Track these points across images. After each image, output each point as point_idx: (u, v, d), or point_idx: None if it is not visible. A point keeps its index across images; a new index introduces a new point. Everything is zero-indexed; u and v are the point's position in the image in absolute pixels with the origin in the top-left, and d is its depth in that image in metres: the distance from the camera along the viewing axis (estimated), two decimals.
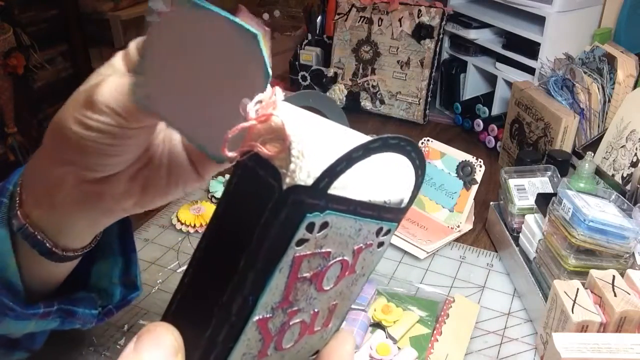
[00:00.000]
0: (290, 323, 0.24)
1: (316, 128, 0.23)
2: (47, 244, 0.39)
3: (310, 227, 0.21)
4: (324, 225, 0.22)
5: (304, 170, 0.21)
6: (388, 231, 0.25)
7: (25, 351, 0.50)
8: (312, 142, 0.22)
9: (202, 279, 0.23)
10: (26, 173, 0.40)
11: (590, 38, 1.01)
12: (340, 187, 0.22)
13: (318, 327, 0.26)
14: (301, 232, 0.21)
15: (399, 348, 0.61)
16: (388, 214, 0.24)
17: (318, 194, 0.21)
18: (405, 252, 0.78)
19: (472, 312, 0.66)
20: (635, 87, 0.85)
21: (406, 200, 0.25)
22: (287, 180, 0.21)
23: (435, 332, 0.63)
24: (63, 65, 2.18)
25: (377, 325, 0.64)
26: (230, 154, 0.22)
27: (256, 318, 0.22)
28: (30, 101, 2.05)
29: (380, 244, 0.25)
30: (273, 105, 0.22)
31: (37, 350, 0.51)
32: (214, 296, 0.22)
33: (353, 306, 0.64)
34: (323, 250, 0.22)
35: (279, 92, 0.23)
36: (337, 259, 0.23)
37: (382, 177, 0.24)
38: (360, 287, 0.26)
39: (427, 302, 0.67)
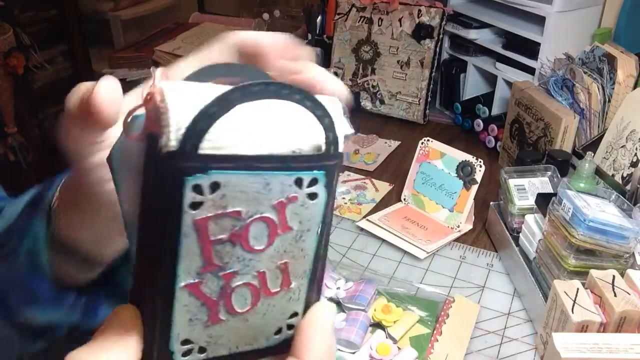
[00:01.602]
0: (232, 286, 0.24)
1: (202, 96, 0.22)
2: (80, 254, 0.40)
3: (198, 189, 0.22)
4: (215, 185, 0.22)
5: (176, 136, 0.21)
6: (314, 180, 0.24)
7: (47, 340, 0.50)
8: (190, 108, 0.22)
9: (137, 262, 0.24)
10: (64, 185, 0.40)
11: (590, 38, 1.01)
12: (227, 146, 0.22)
13: (276, 289, 0.25)
14: (190, 196, 0.22)
15: (399, 348, 0.61)
16: (302, 163, 0.23)
17: (189, 156, 0.21)
18: (405, 252, 0.78)
19: (472, 312, 0.66)
20: (635, 87, 0.85)
21: (324, 146, 0.24)
22: (163, 149, 0.21)
23: (435, 332, 0.63)
24: (63, 65, 2.18)
25: (377, 325, 0.64)
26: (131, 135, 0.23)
27: (182, 284, 0.23)
28: (30, 101, 2.05)
29: (312, 196, 0.24)
30: (155, 87, 0.22)
31: (58, 338, 0.51)
32: (142, 274, 0.24)
33: (353, 306, 0.65)
34: (229, 210, 0.23)
35: (157, 73, 0.24)
36: (255, 216, 0.23)
37: (288, 127, 0.23)
38: (312, 243, 0.25)
39: (427, 302, 0.67)
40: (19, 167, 2.01)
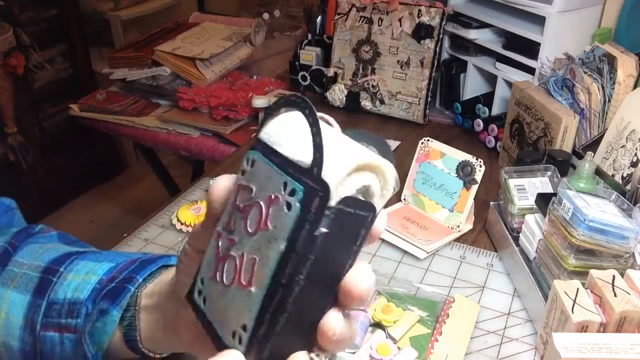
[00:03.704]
0: (230, 252, 0.29)
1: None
2: (143, 350, 0.41)
3: (247, 160, 0.29)
4: (253, 162, 0.29)
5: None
6: (293, 191, 0.26)
7: None
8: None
9: None
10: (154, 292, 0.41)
11: (590, 38, 1.01)
12: (268, 138, 0.29)
13: (244, 282, 0.27)
14: (244, 165, 0.29)
15: (399, 348, 0.61)
16: (291, 170, 0.26)
17: (256, 136, 0.29)
18: (405, 252, 0.78)
19: (472, 312, 0.66)
20: (635, 87, 0.85)
21: (308, 162, 0.26)
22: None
23: (435, 332, 0.63)
24: (63, 65, 2.18)
25: (377, 325, 0.64)
26: None
27: (216, 228, 0.30)
28: (30, 101, 2.05)
29: (288, 205, 0.26)
30: None
31: None
32: None
33: None
34: (250, 185, 0.28)
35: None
36: (257, 200, 0.27)
37: (300, 140, 0.27)
38: (274, 255, 0.26)
39: (427, 302, 0.67)
40: (19, 167, 2.01)
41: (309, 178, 0.26)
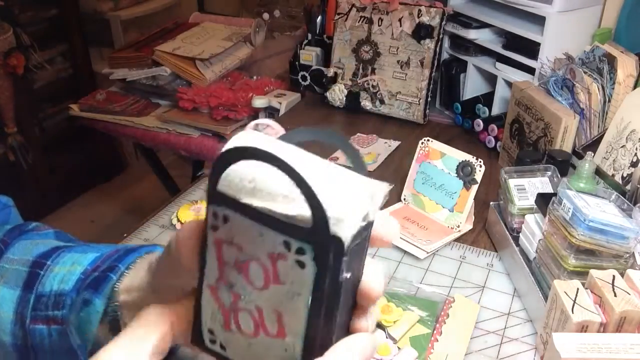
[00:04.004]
0: (239, 306, 0.28)
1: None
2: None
3: (215, 216, 0.27)
4: (226, 218, 0.27)
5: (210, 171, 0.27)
6: (301, 249, 0.25)
7: None
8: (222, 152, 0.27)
9: None
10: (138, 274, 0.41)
11: (590, 38, 1.01)
12: (235, 190, 0.26)
13: (273, 331, 0.27)
14: (211, 220, 0.28)
15: (399, 348, 0.61)
16: (289, 229, 0.25)
17: (213, 190, 0.27)
18: (405, 252, 0.78)
19: (472, 312, 0.66)
20: (635, 87, 0.85)
21: (304, 218, 0.25)
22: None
23: (435, 332, 0.63)
24: (63, 65, 2.18)
25: (377, 325, 0.64)
26: None
27: (207, 283, 0.29)
28: (30, 101, 2.05)
29: (300, 264, 0.26)
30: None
31: None
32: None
33: None
34: (235, 242, 0.27)
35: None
36: (253, 257, 0.27)
37: (288, 194, 0.26)
38: (303, 308, 0.26)
39: (427, 302, 0.67)
40: (19, 167, 2.01)
41: (314, 235, 0.25)
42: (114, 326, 0.41)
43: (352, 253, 0.26)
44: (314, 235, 0.25)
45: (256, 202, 0.26)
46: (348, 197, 0.26)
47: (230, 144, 0.27)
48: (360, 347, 0.28)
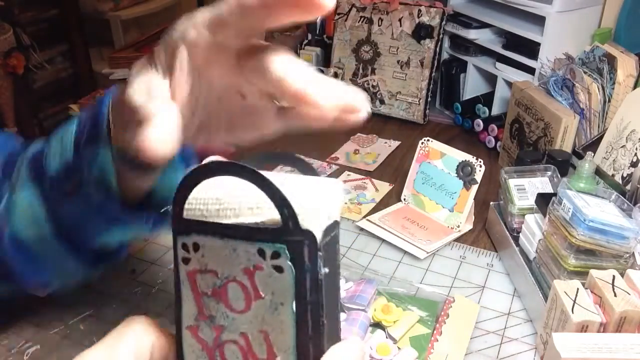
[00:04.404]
0: (223, 339, 0.27)
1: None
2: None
3: (185, 247, 0.27)
4: (196, 246, 0.27)
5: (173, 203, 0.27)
6: (276, 253, 0.25)
7: (111, 262, 0.55)
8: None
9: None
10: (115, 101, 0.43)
11: (590, 38, 1.01)
12: (200, 212, 0.27)
13: (262, 356, 0.27)
14: (181, 252, 0.27)
15: (399, 348, 0.61)
16: (262, 235, 0.26)
17: (178, 219, 0.27)
18: (405, 252, 0.78)
19: (472, 312, 0.66)
20: (635, 87, 0.85)
21: (275, 220, 0.26)
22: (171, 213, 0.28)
23: (435, 332, 0.63)
24: (63, 65, 2.18)
25: (377, 325, 0.64)
26: None
27: (185, 325, 0.28)
28: (30, 101, 2.05)
29: (278, 268, 0.25)
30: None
31: (121, 258, 0.56)
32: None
33: (353, 306, 0.65)
34: (209, 268, 0.27)
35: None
36: (230, 278, 0.26)
37: (253, 203, 0.26)
38: (289, 317, 0.26)
39: (427, 302, 0.67)
40: None
41: (287, 234, 0.25)
42: (130, 162, 0.42)
43: (326, 250, 0.26)
44: (286, 233, 0.25)
45: (225, 220, 0.26)
46: (312, 195, 0.27)
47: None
48: (352, 354, 0.28)
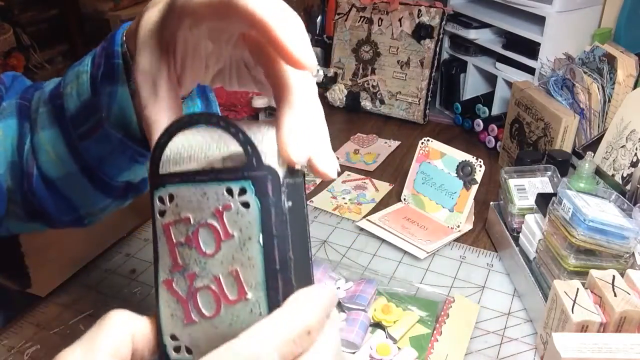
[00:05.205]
0: (196, 286, 0.28)
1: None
2: None
3: (161, 200, 0.29)
4: (171, 197, 0.29)
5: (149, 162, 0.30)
6: (243, 190, 0.27)
7: (136, 194, 0.56)
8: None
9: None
10: (130, 30, 0.43)
11: (590, 38, 1.01)
12: (174, 165, 0.29)
13: (234, 297, 0.28)
14: (157, 205, 0.29)
15: (399, 348, 0.61)
16: (229, 174, 0.28)
17: (154, 175, 0.30)
18: (405, 252, 0.78)
19: (472, 312, 0.66)
20: (635, 87, 0.85)
21: (241, 159, 0.28)
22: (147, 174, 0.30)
23: (435, 332, 0.63)
24: (63, 65, 2.18)
25: (377, 325, 0.64)
26: None
27: (161, 279, 0.30)
28: None
29: (245, 204, 0.27)
30: None
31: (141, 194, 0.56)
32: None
33: (353, 306, 0.65)
34: (182, 216, 0.29)
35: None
36: (201, 222, 0.28)
37: (217, 147, 0.29)
38: (257, 252, 0.27)
39: (427, 302, 0.67)
40: None
41: (251, 170, 0.27)
42: None
43: (290, 189, 0.28)
44: (251, 169, 0.27)
45: (194, 165, 0.29)
46: (271, 136, 0.29)
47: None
48: (322, 297, 0.28)
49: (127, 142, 0.45)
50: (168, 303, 0.29)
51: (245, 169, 0.27)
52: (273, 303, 0.27)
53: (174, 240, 0.29)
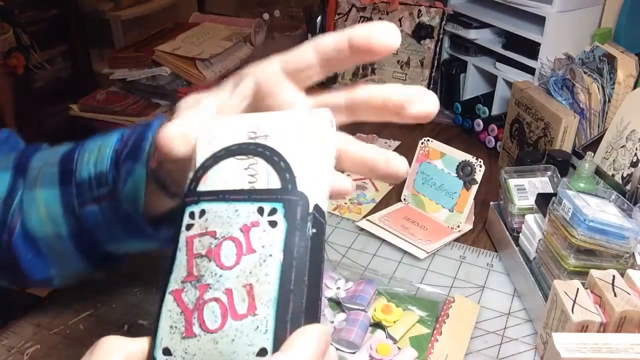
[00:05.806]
0: (205, 298, 0.28)
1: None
2: (171, 188, 0.44)
3: (192, 215, 0.30)
4: (202, 212, 0.30)
5: (189, 181, 0.32)
6: (274, 210, 0.29)
7: (112, 267, 0.57)
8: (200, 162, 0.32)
9: None
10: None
11: (590, 38, 1.01)
12: (210, 183, 0.31)
13: (242, 311, 0.28)
14: (187, 220, 0.30)
15: (399, 348, 0.61)
16: (262, 195, 0.29)
17: (190, 193, 0.31)
18: (405, 252, 0.78)
19: (472, 312, 0.66)
20: (635, 87, 0.85)
21: (276, 184, 0.30)
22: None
23: (435, 332, 0.63)
24: (63, 65, 2.18)
25: (377, 325, 0.64)
26: None
27: (170, 289, 0.30)
28: (30, 101, 2.05)
29: (272, 223, 0.29)
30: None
31: (119, 265, 0.57)
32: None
33: (353, 306, 0.65)
34: (209, 230, 0.30)
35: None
36: (226, 236, 0.29)
37: (254, 171, 0.30)
38: (276, 270, 0.28)
39: (427, 302, 0.67)
40: None
41: (284, 194, 0.29)
42: (161, 185, 0.44)
43: (315, 219, 0.29)
44: (284, 192, 0.29)
45: (230, 185, 0.30)
46: (309, 160, 0.31)
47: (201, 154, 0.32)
48: (319, 341, 0.27)
49: (132, 216, 0.46)
50: (170, 314, 0.29)
51: (279, 192, 0.29)
52: (280, 322, 0.27)
53: (195, 252, 0.30)
